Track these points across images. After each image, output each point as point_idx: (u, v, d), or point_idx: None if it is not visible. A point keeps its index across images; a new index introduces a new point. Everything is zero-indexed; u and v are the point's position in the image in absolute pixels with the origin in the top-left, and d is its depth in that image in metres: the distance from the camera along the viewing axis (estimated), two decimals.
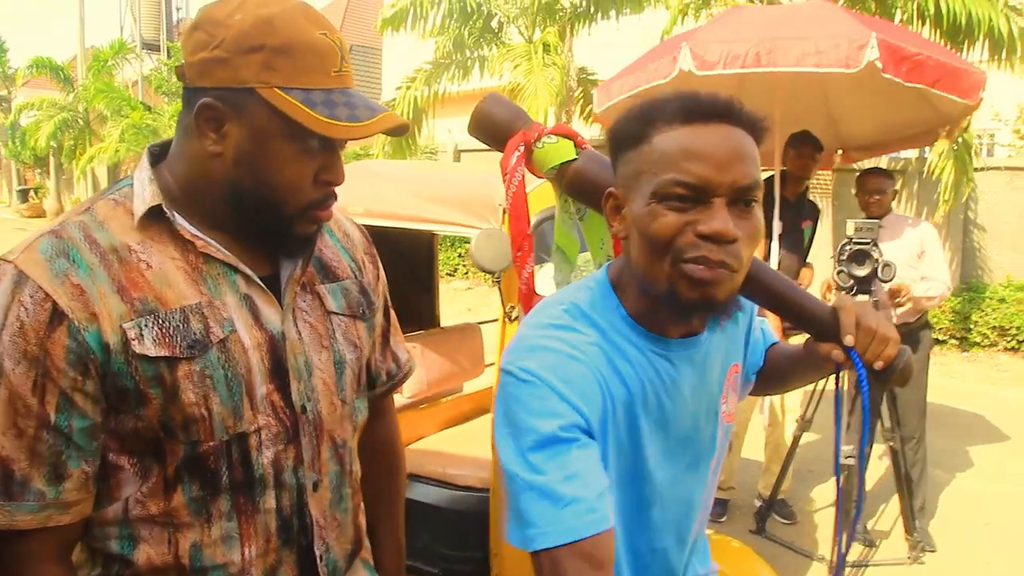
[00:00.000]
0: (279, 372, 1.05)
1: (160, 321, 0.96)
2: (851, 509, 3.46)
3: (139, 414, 0.96)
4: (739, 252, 0.95)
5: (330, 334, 1.13)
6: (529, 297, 1.36)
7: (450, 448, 2.87)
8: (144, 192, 1.01)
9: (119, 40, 21.95)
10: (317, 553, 1.10)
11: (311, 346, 1.09)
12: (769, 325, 1.35)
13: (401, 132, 1.04)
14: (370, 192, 2.57)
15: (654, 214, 0.96)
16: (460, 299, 10.71)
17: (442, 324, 3.69)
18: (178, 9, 25.82)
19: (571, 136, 1.25)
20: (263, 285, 1.05)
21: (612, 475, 1.04)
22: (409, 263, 3.55)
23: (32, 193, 27.95)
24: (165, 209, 1.00)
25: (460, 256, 12.84)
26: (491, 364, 3.28)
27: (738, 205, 0.95)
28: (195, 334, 0.97)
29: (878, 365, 1.08)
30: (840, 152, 4.77)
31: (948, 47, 7.04)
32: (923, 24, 7.19)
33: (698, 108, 0.96)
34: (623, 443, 1.05)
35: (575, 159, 1.22)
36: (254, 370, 1.02)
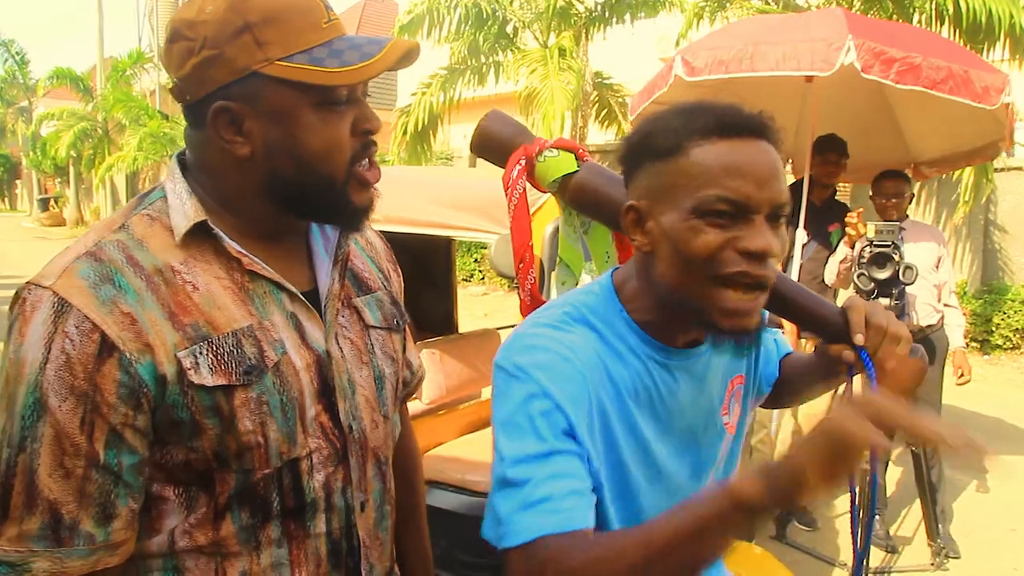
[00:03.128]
0: (326, 392, 1.00)
1: (214, 347, 0.91)
2: (864, 514, 3.43)
3: (192, 445, 0.92)
4: (774, 267, 0.96)
5: (369, 349, 1.09)
6: (532, 307, 1.33)
7: (469, 454, 2.87)
8: (184, 206, 0.95)
9: (137, 50, 22.17)
10: (363, 574, 1.07)
11: (352, 363, 1.05)
12: (783, 336, 1.33)
13: (414, 57, 0.98)
14: (389, 198, 2.56)
15: (695, 230, 0.94)
16: (477, 304, 10.72)
17: (460, 330, 3.69)
18: None
19: (572, 149, 1.24)
20: (307, 303, 1.01)
21: (607, 483, 1.02)
22: (427, 269, 3.56)
23: (52, 202, 28.29)
24: (211, 225, 0.94)
25: (476, 261, 12.86)
26: None
27: (770, 221, 0.95)
28: (250, 359, 0.93)
29: (890, 364, 1.06)
30: (912, 167, 4.64)
31: (967, 47, 6.99)
32: (942, 24, 7.15)
33: (735, 123, 0.95)
34: (617, 450, 1.02)
35: (577, 171, 1.20)
36: (305, 392, 0.97)
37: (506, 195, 1.26)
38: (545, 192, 1.28)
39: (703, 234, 0.93)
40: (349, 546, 1.05)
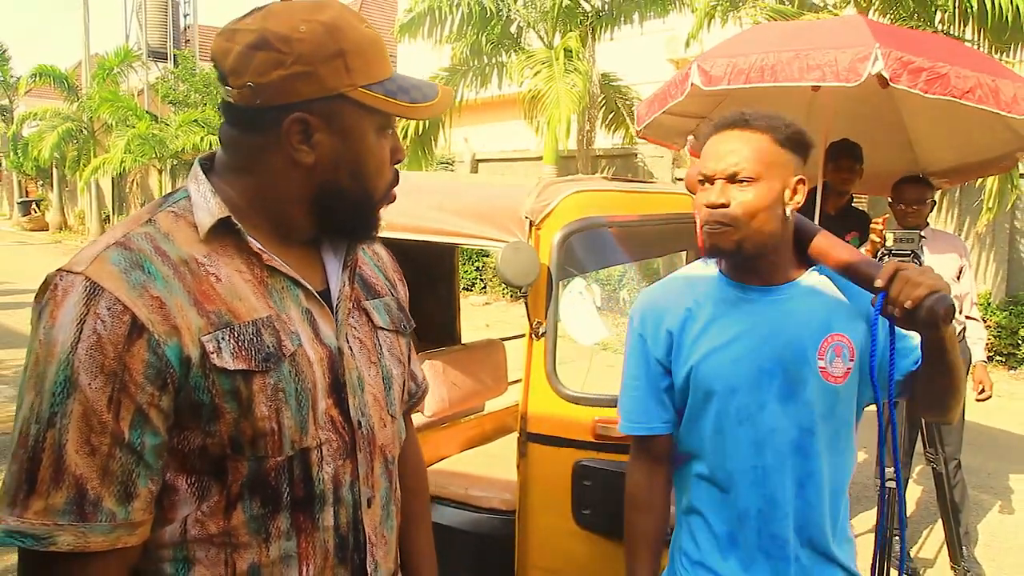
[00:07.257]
0: (337, 387, 1.11)
1: (236, 334, 1.01)
2: (894, 536, 3.45)
3: (209, 430, 1.00)
4: (728, 214, 1.45)
5: (377, 350, 1.20)
6: None
7: (472, 469, 2.90)
8: (209, 204, 1.06)
9: (125, 48, 22.25)
10: (369, 571, 1.15)
11: (362, 362, 1.16)
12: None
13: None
14: (391, 205, 2.61)
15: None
16: (478, 315, 10.75)
17: (462, 341, 3.72)
18: (185, 16, 26.08)
19: None
20: (321, 300, 1.11)
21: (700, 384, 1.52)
22: (429, 277, 3.58)
23: (34, 206, 28.36)
24: (235, 221, 1.05)
25: (479, 270, 12.88)
26: (515, 382, 3.30)
27: (733, 183, 1.46)
28: (269, 347, 1.03)
29: (908, 304, 1.33)
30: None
31: (992, 47, 7.02)
32: (966, 24, 7.18)
33: (722, 121, 1.53)
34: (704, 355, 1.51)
35: None
36: (318, 384, 1.07)
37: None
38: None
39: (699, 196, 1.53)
40: (356, 541, 1.13)
